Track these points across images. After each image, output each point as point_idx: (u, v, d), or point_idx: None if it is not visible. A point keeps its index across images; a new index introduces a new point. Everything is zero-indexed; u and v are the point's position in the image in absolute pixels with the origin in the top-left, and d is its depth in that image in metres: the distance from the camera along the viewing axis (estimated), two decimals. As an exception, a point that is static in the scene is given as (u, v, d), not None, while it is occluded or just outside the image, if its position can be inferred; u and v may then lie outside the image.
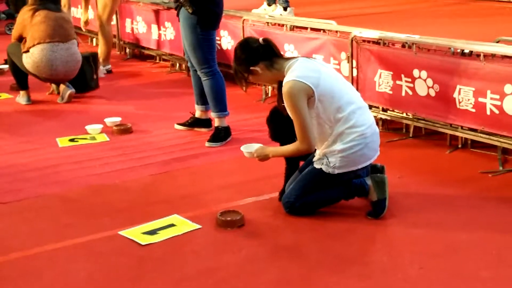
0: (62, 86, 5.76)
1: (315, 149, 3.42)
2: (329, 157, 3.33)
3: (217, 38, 6.26)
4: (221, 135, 4.65)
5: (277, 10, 6.79)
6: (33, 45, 5.48)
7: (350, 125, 3.30)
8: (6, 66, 6.62)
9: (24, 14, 5.61)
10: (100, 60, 6.56)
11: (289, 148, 3.40)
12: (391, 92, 4.59)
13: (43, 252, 3.10)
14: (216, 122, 4.70)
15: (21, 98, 5.77)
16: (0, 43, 7.42)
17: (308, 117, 3.27)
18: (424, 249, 3.01)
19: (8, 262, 3.02)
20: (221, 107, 4.68)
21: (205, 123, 4.86)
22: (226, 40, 6.22)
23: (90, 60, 6.03)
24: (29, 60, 5.50)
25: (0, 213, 3.56)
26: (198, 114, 4.87)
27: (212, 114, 4.74)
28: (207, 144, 4.60)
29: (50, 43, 5.51)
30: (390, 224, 3.31)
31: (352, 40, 4.79)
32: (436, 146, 4.47)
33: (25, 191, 3.84)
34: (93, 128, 4.86)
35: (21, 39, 5.61)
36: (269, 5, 6.81)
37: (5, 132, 5.00)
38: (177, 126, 4.92)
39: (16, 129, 5.11)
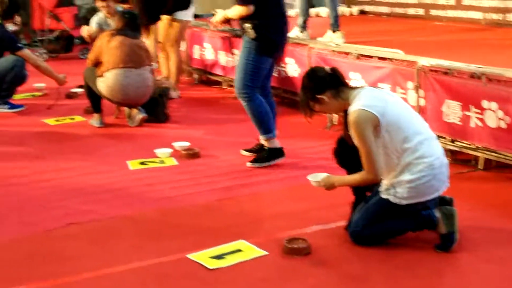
0: (134, 110, 5.87)
1: (381, 179, 3.38)
2: (396, 188, 3.28)
3: (283, 65, 6.33)
4: (264, 155, 4.70)
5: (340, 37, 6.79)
6: (108, 70, 5.62)
7: (418, 155, 3.25)
8: (80, 90, 6.83)
9: (102, 38, 5.77)
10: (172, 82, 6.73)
11: (355, 177, 3.38)
12: (459, 123, 4.50)
13: (113, 273, 3.15)
14: (264, 144, 4.73)
15: (94, 120, 5.90)
16: (74, 67, 7.66)
17: (375, 146, 3.23)
18: (495, 286, 2.91)
19: (80, 282, 3.08)
20: (264, 129, 4.72)
21: (277, 152, 4.80)
22: (292, 68, 6.26)
23: (163, 95, 6.15)
24: (103, 84, 5.64)
25: (73, 233, 3.64)
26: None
27: (259, 137, 4.77)
28: (248, 164, 4.67)
29: (123, 69, 5.62)
30: (459, 258, 3.23)
31: (419, 70, 4.74)
32: (508, 180, 4.33)
33: (97, 212, 3.91)
34: (163, 152, 4.94)
35: (96, 63, 5.75)
36: (334, 31, 6.81)
37: (78, 154, 5.13)
38: (243, 152, 4.96)
39: (89, 151, 5.23)
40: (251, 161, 4.73)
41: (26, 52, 6.58)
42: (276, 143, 4.76)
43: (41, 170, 4.72)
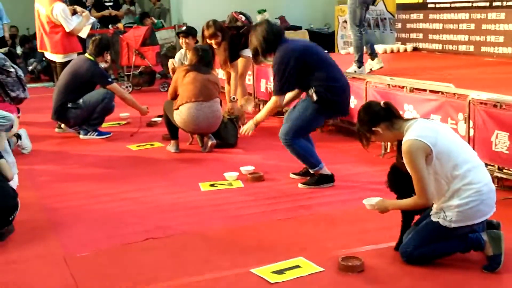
0: (205, 138, 5.97)
1: (433, 204, 3.32)
2: (446, 211, 3.23)
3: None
4: (314, 180, 4.74)
5: (351, 68, 6.73)
6: (182, 104, 5.72)
7: (466, 182, 3.19)
8: (159, 119, 7.00)
9: (178, 73, 5.90)
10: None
11: (407, 202, 3.34)
12: (507, 152, 4.39)
13: (185, 284, 3.21)
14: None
15: (171, 147, 6.01)
16: (155, 99, 7.86)
17: (426, 173, 3.20)
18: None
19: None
20: (310, 164, 4.75)
21: (327, 178, 4.80)
22: (350, 100, 6.22)
23: (234, 121, 6.25)
24: (178, 117, 5.76)
25: (152, 246, 3.72)
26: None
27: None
28: (300, 185, 4.75)
29: (195, 102, 5.70)
30: (505, 279, 3.14)
31: (469, 102, 4.65)
32: (552, 205, 4.18)
33: (172, 228, 3.99)
34: (230, 175, 5.00)
35: (175, 96, 5.87)
36: (372, 59, 6.77)
37: (156, 176, 5.24)
38: (292, 176, 4.99)
39: (166, 173, 5.34)
40: (303, 183, 4.76)
41: (115, 85, 6.78)
42: (326, 171, 4.76)
43: (123, 190, 4.84)
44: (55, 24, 7.39)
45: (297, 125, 4.65)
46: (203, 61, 5.93)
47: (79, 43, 7.70)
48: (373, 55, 6.82)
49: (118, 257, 3.58)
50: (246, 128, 4.85)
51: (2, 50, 9.75)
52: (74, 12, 7.53)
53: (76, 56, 7.25)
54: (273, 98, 4.72)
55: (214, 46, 6.47)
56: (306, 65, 4.53)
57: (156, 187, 4.91)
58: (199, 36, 7.12)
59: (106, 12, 11.69)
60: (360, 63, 6.70)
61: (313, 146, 4.88)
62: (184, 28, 7.69)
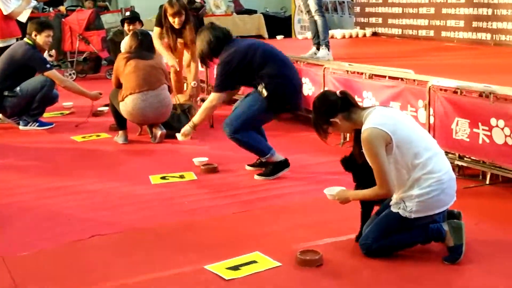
0: (155, 128, 5.91)
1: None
2: (406, 202, 3.28)
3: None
4: (269, 170, 4.79)
5: (321, 52, 6.73)
6: (126, 96, 5.66)
7: (427, 171, 3.24)
8: (105, 108, 6.90)
9: (118, 61, 5.82)
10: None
11: (368, 192, 3.37)
12: (468, 140, 4.49)
13: (136, 282, 3.17)
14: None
15: (119, 137, 5.95)
16: (101, 87, 7.72)
17: (387, 163, 3.23)
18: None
19: (104, 290, 3.11)
20: (260, 152, 4.81)
21: (281, 164, 4.84)
22: (307, 87, 6.28)
23: (186, 111, 6.19)
24: (124, 108, 5.70)
25: (97, 245, 3.67)
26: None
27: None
28: (256, 177, 4.78)
29: (140, 93, 5.63)
30: (467, 270, 3.21)
31: (429, 89, 4.74)
32: (513, 194, 4.32)
33: (121, 224, 3.95)
34: (200, 160, 5.08)
35: (119, 84, 5.80)
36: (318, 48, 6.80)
37: (103, 169, 5.19)
38: (247, 168, 5.00)
39: (113, 166, 5.29)
40: (259, 174, 4.78)
41: (54, 72, 6.62)
42: (279, 157, 4.80)
43: (68, 185, 4.77)
44: None
45: (243, 119, 4.70)
46: (143, 45, 5.86)
47: (18, 27, 7.51)
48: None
49: (63, 256, 3.52)
50: (184, 132, 4.86)
51: None
52: None
53: (15, 42, 7.08)
54: (212, 95, 4.85)
55: (176, 26, 6.32)
56: (251, 64, 4.69)
57: (104, 181, 4.86)
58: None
59: None
60: (328, 46, 6.70)
61: (262, 135, 4.94)
62: (128, 13, 7.60)
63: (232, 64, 4.70)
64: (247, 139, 4.75)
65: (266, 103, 4.66)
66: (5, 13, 7.20)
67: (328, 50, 6.66)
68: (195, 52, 6.30)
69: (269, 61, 4.72)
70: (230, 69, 4.71)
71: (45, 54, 6.79)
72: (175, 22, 6.28)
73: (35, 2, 8.06)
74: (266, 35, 11.83)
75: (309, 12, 6.76)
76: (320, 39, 6.71)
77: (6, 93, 6.40)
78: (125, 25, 7.19)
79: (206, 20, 7.12)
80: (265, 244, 3.55)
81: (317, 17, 6.68)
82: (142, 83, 5.65)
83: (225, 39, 4.83)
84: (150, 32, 6.43)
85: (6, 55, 6.54)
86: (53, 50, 6.75)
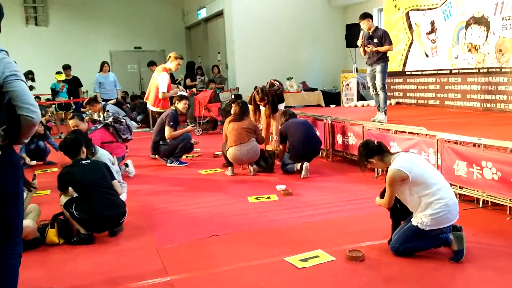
0: (250, 165, 5.93)
1: (412, 212, 3.25)
2: (422, 218, 3.16)
3: (345, 137, 6.25)
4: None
5: (380, 116, 6.56)
6: (229, 148, 5.80)
7: (437, 198, 3.13)
8: (220, 153, 7.02)
9: (225, 124, 5.94)
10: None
11: (382, 201, 3.31)
12: (465, 176, 4.28)
13: (236, 268, 3.18)
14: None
15: (228, 171, 6.00)
16: (216, 139, 7.87)
17: (395, 193, 3.18)
18: (494, 287, 2.69)
19: (217, 273, 3.13)
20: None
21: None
22: (352, 139, 6.19)
23: (272, 155, 6.11)
24: (229, 155, 5.83)
25: (216, 241, 3.71)
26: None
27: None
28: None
29: (236, 146, 5.74)
30: (467, 267, 3.04)
31: (437, 141, 4.56)
32: (499, 214, 4.05)
33: (230, 228, 3.97)
34: (280, 187, 5.06)
35: (227, 138, 5.91)
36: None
37: (217, 192, 5.22)
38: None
39: (225, 189, 5.32)
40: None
41: (168, 129, 6.52)
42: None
43: (195, 202, 4.83)
44: (157, 87, 7.54)
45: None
46: (241, 110, 5.94)
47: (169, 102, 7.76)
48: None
49: (194, 248, 3.56)
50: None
51: (112, 101, 9.31)
52: (177, 86, 7.74)
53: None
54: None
55: (261, 106, 6.68)
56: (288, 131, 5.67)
57: (218, 199, 4.90)
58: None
59: (193, 83, 11.93)
60: (385, 113, 6.47)
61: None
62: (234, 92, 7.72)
63: (284, 129, 5.80)
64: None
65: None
66: (160, 96, 7.51)
67: (385, 115, 6.47)
68: (275, 118, 6.53)
69: (297, 133, 5.10)
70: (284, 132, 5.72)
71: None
72: (261, 104, 6.67)
73: (181, 91, 8.21)
74: (323, 104, 11.79)
75: (375, 88, 6.57)
76: (381, 108, 6.55)
77: (161, 142, 6.65)
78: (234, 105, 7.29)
79: (284, 95, 7.22)
80: (324, 244, 3.50)
81: (380, 92, 6.50)
82: (237, 139, 5.75)
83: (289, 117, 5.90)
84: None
85: (161, 116, 6.79)
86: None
